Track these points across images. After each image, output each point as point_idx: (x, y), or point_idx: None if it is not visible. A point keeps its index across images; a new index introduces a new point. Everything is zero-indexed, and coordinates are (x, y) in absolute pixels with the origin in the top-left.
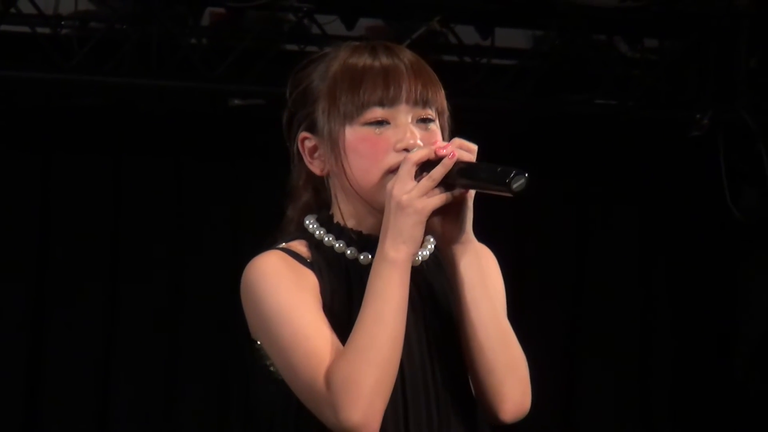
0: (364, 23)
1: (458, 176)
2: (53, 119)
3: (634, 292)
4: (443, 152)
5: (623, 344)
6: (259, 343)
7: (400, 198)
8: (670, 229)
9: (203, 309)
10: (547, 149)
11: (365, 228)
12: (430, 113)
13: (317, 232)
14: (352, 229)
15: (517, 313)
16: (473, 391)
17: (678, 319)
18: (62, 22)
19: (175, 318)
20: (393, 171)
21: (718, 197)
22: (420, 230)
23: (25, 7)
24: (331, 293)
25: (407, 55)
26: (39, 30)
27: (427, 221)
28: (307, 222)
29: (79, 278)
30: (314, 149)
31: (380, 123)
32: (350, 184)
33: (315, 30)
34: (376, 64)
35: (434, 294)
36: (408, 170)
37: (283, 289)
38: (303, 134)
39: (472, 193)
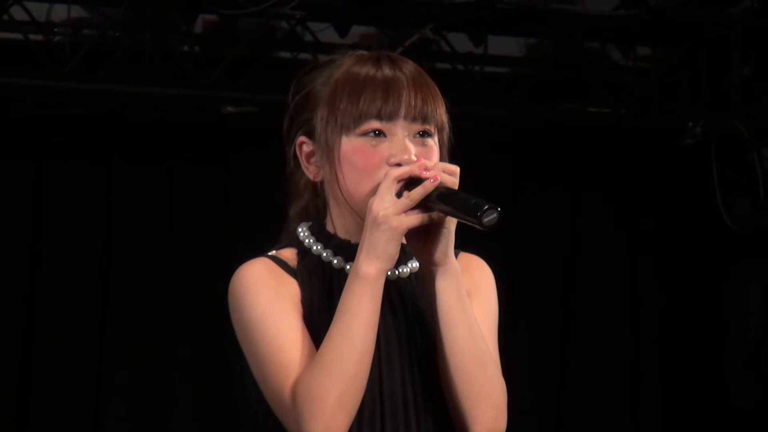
0: (357, 31)
1: (437, 200)
2: (45, 126)
3: (625, 299)
4: (426, 174)
5: (614, 351)
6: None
7: (377, 213)
8: (663, 238)
9: (195, 315)
10: (540, 157)
11: (355, 237)
12: (429, 128)
13: (306, 241)
14: (341, 238)
15: (508, 320)
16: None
17: (669, 326)
18: (55, 29)
19: (167, 324)
20: None
21: (710, 206)
22: (394, 247)
23: (18, 14)
24: (313, 302)
25: (410, 68)
26: (31, 37)
27: (409, 242)
28: (299, 230)
29: (71, 285)
30: (311, 154)
31: (377, 135)
32: (342, 193)
33: (308, 37)
34: (378, 75)
35: (417, 310)
36: (388, 186)
37: (262, 298)
38: (301, 138)
39: (453, 219)
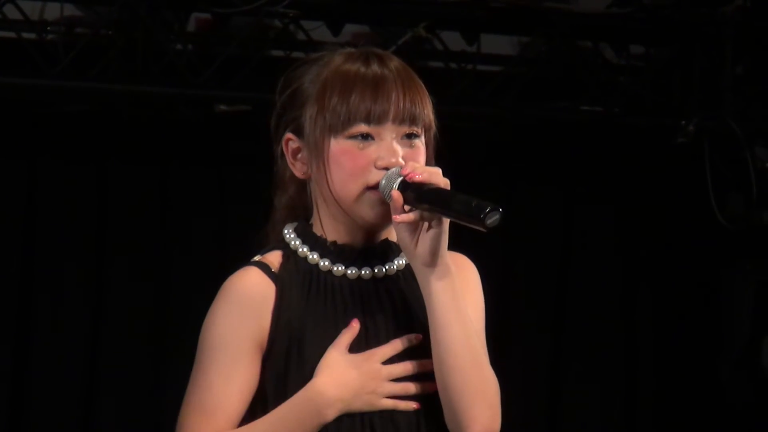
0: (350, 29)
1: (434, 202)
2: (38, 125)
3: (619, 297)
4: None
5: (607, 350)
6: None
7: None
8: (656, 236)
9: (189, 316)
10: (533, 156)
11: (342, 238)
12: (416, 129)
13: (293, 243)
14: (328, 239)
15: (500, 320)
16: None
17: (662, 325)
18: (48, 28)
19: (160, 325)
20: (372, 187)
21: (703, 204)
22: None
23: (11, 12)
24: (291, 306)
25: (398, 66)
26: (24, 35)
27: (402, 242)
28: (285, 231)
29: (64, 285)
30: (297, 151)
31: (365, 137)
32: (331, 193)
33: (301, 36)
34: (369, 73)
35: (406, 306)
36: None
37: (223, 327)
38: (288, 135)
39: (446, 219)
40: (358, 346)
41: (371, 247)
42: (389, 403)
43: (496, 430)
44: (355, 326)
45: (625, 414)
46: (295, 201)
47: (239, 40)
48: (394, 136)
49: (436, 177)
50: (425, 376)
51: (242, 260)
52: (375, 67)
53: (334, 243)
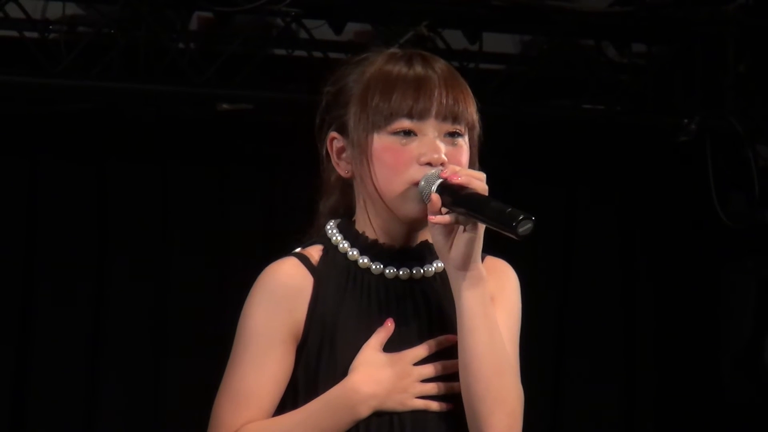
0: (352, 28)
1: (469, 207)
2: (40, 123)
3: (620, 295)
4: (457, 180)
5: (608, 348)
6: None
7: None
8: (658, 235)
9: (190, 312)
10: (535, 154)
11: (384, 236)
12: (459, 128)
13: (334, 238)
14: (369, 237)
15: None
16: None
17: (663, 323)
18: (50, 27)
19: (162, 322)
20: (416, 183)
21: (705, 202)
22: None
23: (13, 11)
24: (327, 299)
25: (442, 67)
26: (27, 34)
27: (436, 245)
28: (328, 227)
29: (65, 283)
30: (342, 150)
31: (407, 134)
32: (374, 190)
33: (303, 35)
34: (410, 73)
35: (440, 310)
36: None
37: (258, 317)
38: (332, 134)
39: (482, 225)
40: (390, 346)
41: (410, 248)
42: (420, 404)
43: None
44: (390, 326)
45: (626, 411)
46: (340, 203)
47: (241, 39)
48: (436, 133)
49: (476, 182)
50: (456, 378)
51: (245, 258)
52: (418, 68)
53: (375, 241)
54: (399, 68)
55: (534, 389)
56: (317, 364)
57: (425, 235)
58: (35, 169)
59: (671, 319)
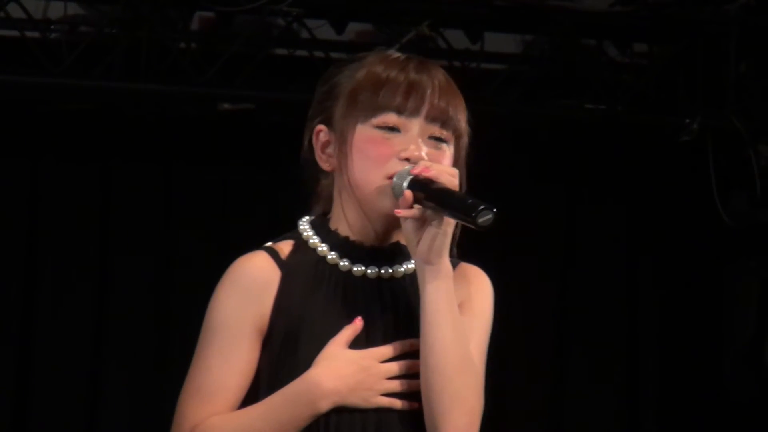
0: (353, 28)
1: (435, 199)
2: (42, 123)
3: (623, 295)
4: (426, 174)
5: (611, 347)
6: None
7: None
8: (659, 234)
9: (193, 312)
10: (537, 154)
11: (356, 234)
12: (445, 133)
13: (305, 233)
14: (341, 234)
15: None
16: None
17: (666, 322)
18: (52, 26)
19: (165, 321)
20: (392, 177)
21: (707, 202)
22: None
23: (15, 11)
24: (293, 295)
25: (437, 74)
26: (28, 34)
27: (406, 239)
28: (300, 222)
29: (67, 283)
30: (326, 144)
31: (392, 129)
32: (351, 183)
33: (304, 34)
34: (402, 75)
35: (408, 310)
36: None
37: (225, 309)
38: (319, 126)
39: (451, 220)
40: (355, 344)
41: (382, 248)
42: (385, 401)
43: None
44: (358, 324)
45: (628, 410)
46: (317, 199)
47: (243, 39)
48: (421, 133)
49: (446, 176)
50: None
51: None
52: (412, 72)
53: (346, 238)
54: (394, 67)
55: (536, 388)
56: (281, 358)
57: (399, 236)
58: (37, 169)
59: (673, 318)
